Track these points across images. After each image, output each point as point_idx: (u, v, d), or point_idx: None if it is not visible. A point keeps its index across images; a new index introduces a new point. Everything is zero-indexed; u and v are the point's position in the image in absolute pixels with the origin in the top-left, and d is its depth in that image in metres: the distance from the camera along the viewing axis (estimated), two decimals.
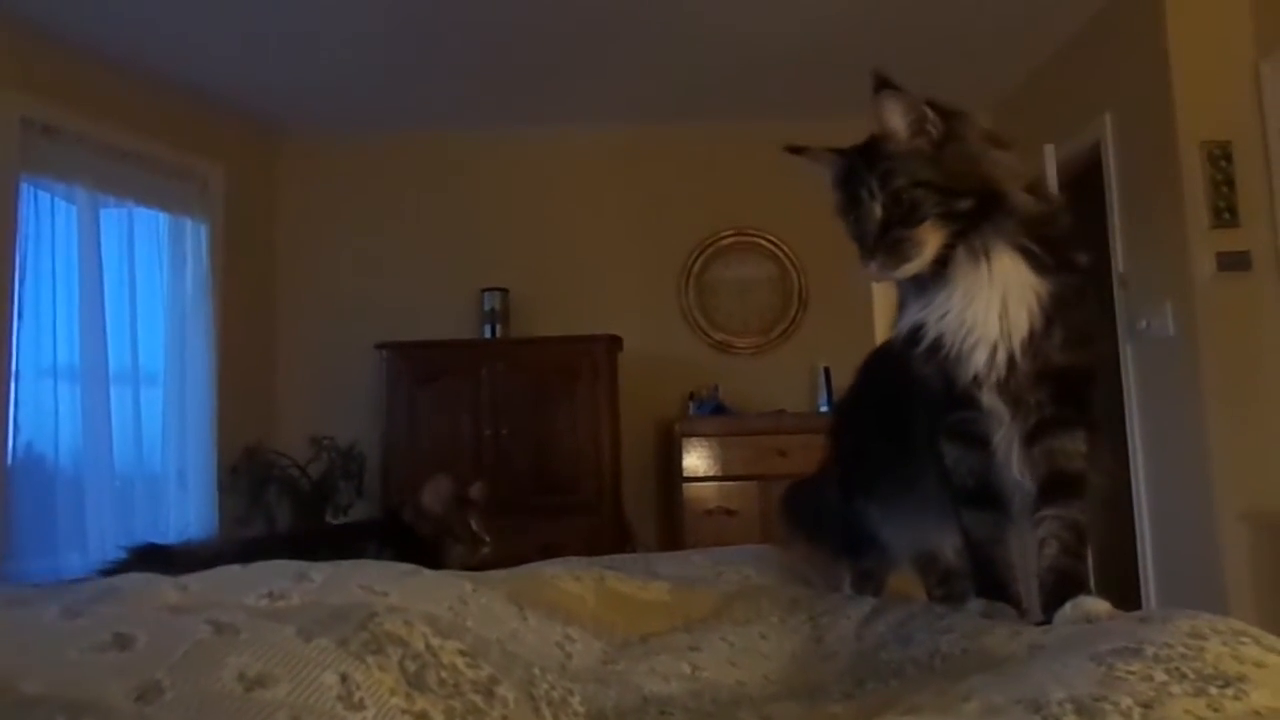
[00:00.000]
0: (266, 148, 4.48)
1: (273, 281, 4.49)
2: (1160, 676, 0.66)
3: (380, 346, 4.03)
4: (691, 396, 4.18)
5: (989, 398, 0.94)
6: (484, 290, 4.24)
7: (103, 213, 3.65)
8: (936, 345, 0.94)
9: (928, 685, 0.74)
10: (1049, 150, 3.31)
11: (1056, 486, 0.93)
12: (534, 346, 4.14)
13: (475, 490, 2.01)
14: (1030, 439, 0.94)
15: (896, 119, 0.93)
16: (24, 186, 3.38)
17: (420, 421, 3.95)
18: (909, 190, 0.91)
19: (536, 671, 0.75)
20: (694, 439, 3.88)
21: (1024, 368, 0.90)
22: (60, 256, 3.51)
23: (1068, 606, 0.88)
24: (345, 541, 1.79)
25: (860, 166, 0.95)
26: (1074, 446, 0.93)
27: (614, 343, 4.00)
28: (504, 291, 4.24)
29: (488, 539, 1.93)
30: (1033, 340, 0.90)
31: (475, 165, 4.50)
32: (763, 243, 4.42)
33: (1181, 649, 0.70)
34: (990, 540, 1.01)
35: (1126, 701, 0.63)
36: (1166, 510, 3.16)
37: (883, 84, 0.93)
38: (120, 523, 3.53)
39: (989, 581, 1.02)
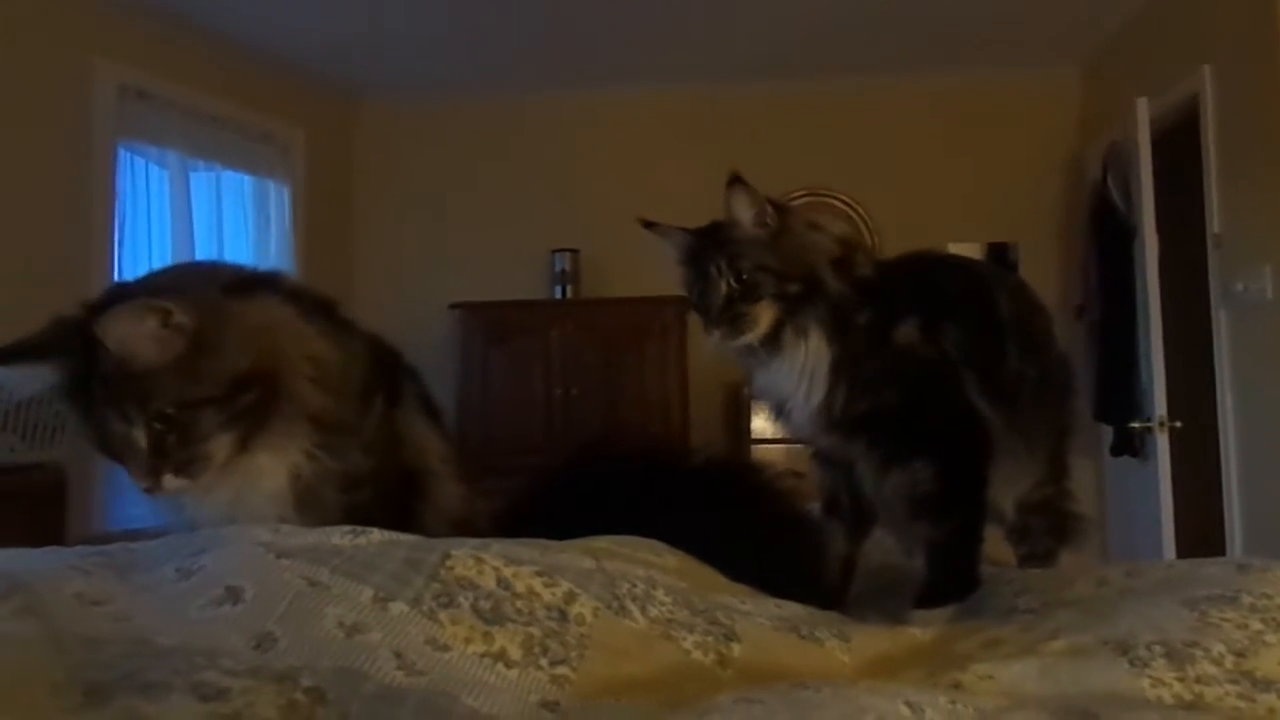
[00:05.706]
0: (345, 112, 4.58)
1: (350, 242, 4.61)
2: (1256, 625, 0.65)
3: (454, 306, 4.11)
4: None
5: (824, 440, 1.12)
6: (555, 251, 4.28)
7: (192, 176, 3.79)
8: (778, 404, 1.12)
9: (1010, 622, 0.75)
10: (1142, 104, 3.14)
11: (911, 508, 1.06)
12: (604, 307, 4.17)
13: None
14: (881, 470, 1.08)
15: (743, 210, 1.07)
16: (121, 152, 3.53)
17: (492, 380, 4.03)
18: (751, 272, 1.05)
19: (617, 571, 0.77)
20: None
21: (831, 419, 1.07)
22: (155, 218, 3.66)
23: (912, 614, 1.01)
24: None
25: (710, 246, 1.08)
26: (911, 475, 1.04)
27: (683, 304, 3.97)
28: (575, 252, 4.27)
29: None
30: (829, 399, 1.06)
31: (547, 127, 4.52)
32: (835, 203, 4.34)
33: None
34: (840, 551, 1.17)
35: (1219, 648, 0.63)
36: (1259, 481, 3.04)
37: (735, 179, 1.07)
38: None
39: (834, 588, 1.14)
